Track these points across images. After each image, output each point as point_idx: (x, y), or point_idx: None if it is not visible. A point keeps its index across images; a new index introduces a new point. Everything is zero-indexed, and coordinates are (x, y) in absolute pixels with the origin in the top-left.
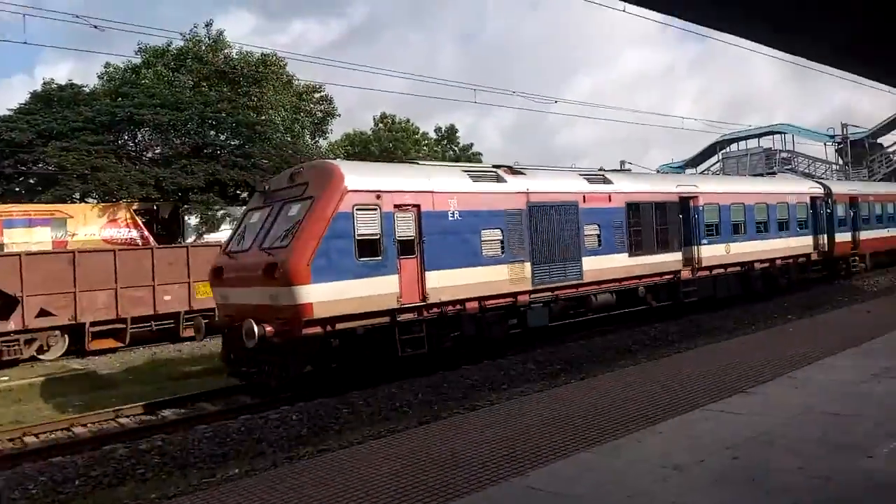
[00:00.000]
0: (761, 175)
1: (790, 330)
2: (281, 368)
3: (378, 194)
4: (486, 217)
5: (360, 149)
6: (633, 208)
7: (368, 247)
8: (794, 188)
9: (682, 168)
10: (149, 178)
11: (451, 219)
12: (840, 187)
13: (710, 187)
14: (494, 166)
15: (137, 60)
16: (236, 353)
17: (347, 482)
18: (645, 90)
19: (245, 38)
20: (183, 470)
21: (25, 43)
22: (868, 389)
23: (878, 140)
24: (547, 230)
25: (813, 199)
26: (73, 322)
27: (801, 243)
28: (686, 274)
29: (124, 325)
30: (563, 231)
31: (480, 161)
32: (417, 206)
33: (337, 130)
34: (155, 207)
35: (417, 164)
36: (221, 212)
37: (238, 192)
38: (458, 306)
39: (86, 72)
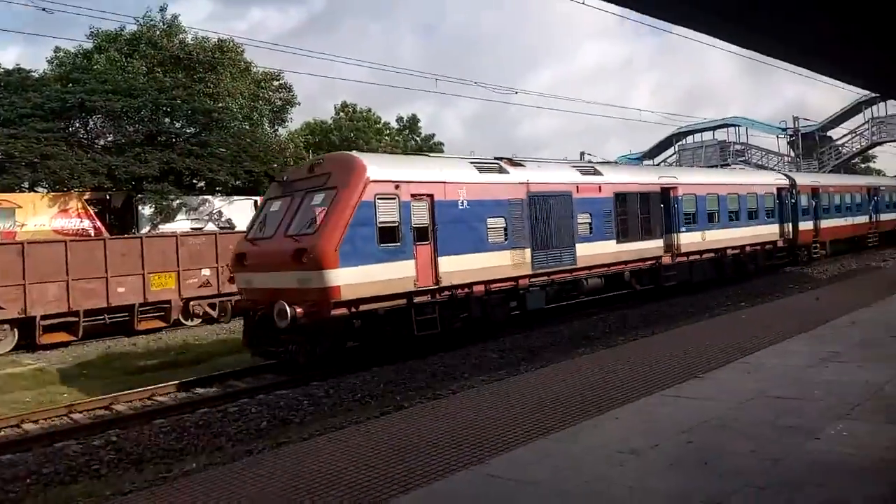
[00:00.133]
0: (716, 167)
1: (743, 317)
2: (309, 347)
3: (397, 184)
4: (491, 206)
5: (321, 137)
6: (621, 198)
7: (388, 233)
8: (762, 179)
9: (639, 159)
10: (101, 167)
11: (460, 207)
12: (803, 178)
13: (689, 178)
14: (496, 158)
15: (89, 45)
16: (261, 333)
17: (307, 474)
18: (604, 82)
19: (201, 24)
20: (138, 465)
21: None
22: (816, 374)
23: (828, 133)
24: (545, 218)
25: (779, 189)
26: (23, 315)
27: (768, 231)
28: (667, 259)
29: (77, 319)
30: (559, 219)
31: (442, 151)
32: (431, 196)
33: (297, 119)
34: (108, 197)
35: (429, 156)
36: (177, 201)
37: (194, 181)
38: (466, 289)
39: (35, 56)
